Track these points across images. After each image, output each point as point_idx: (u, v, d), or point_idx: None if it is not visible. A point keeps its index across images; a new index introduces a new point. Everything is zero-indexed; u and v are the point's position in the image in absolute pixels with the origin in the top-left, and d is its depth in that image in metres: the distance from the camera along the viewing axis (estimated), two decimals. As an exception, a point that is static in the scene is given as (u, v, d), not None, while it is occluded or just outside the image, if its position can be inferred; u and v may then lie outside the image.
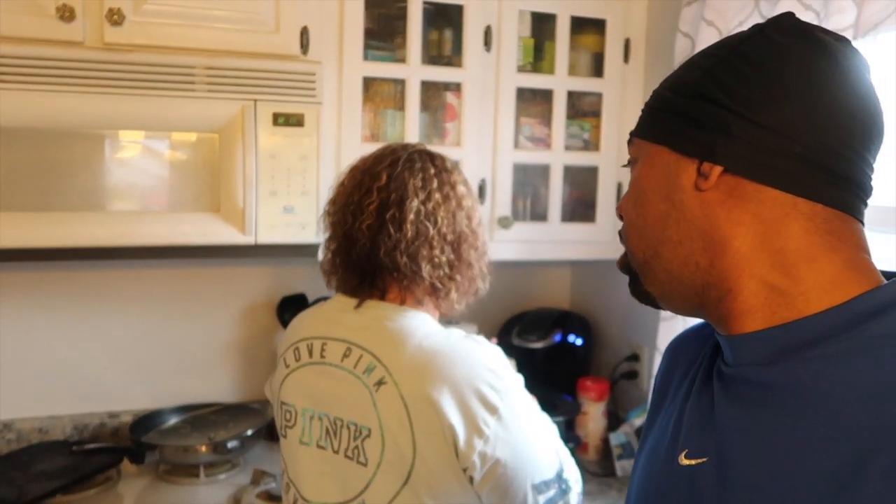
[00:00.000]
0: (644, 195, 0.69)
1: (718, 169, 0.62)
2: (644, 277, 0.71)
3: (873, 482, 0.52)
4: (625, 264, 0.74)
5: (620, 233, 0.74)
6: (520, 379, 1.16)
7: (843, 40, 0.64)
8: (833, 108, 0.60)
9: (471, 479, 1.09)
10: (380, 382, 1.09)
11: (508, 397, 1.09)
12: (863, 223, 0.64)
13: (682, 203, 0.65)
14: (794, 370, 0.60)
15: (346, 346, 1.15)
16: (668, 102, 0.67)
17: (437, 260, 1.16)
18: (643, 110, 0.71)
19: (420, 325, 1.14)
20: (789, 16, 0.65)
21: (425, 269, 1.15)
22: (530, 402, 1.16)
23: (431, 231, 1.15)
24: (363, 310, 1.18)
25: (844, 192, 0.61)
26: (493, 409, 1.07)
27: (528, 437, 1.12)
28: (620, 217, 0.74)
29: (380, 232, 1.15)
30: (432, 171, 1.18)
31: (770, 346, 0.61)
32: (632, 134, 0.72)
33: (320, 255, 1.65)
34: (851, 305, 0.59)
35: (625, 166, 0.76)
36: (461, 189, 1.21)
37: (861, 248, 0.63)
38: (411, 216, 1.14)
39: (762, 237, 0.62)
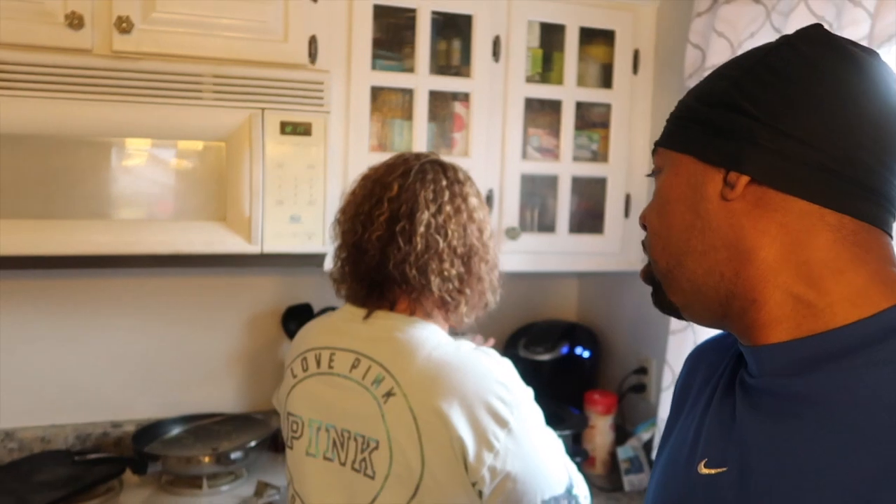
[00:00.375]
0: (669, 204, 0.68)
1: (745, 179, 0.62)
2: (668, 287, 0.70)
3: None
4: (648, 274, 0.73)
5: (644, 242, 0.74)
6: (530, 392, 1.15)
7: (872, 52, 0.64)
8: (861, 118, 0.60)
9: (480, 494, 1.08)
10: (388, 394, 1.08)
11: (519, 411, 1.08)
12: (891, 235, 0.63)
13: (708, 213, 0.65)
14: (819, 382, 0.59)
15: (355, 357, 1.13)
16: (695, 112, 0.67)
17: (446, 273, 1.14)
18: (668, 120, 0.71)
19: (429, 336, 1.12)
20: (818, 27, 0.65)
21: (434, 282, 1.14)
22: (540, 417, 1.15)
23: (441, 244, 1.14)
24: (372, 320, 1.17)
25: (872, 204, 0.61)
26: (503, 423, 1.06)
27: (538, 452, 1.10)
28: (644, 227, 0.73)
29: (389, 244, 1.14)
30: (444, 182, 1.17)
31: (796, 357, 0.61)
32: (657, 143, 0.72)
33: (328, 264, 1.64)
34: (880, 318, 0.58)
35: (649, 175, 0.75)
36: (473, 201, 1.19)
37: (889, 261, 0.62)
38: (421, 228, 1.13)
39: (789, 248, 0.61)
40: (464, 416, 1.04)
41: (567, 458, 1.19)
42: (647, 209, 0.73)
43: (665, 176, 0.69)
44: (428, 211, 1.14)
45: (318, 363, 1.18)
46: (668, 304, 0.71)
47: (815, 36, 0.64)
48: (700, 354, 0.81)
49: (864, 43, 1.26)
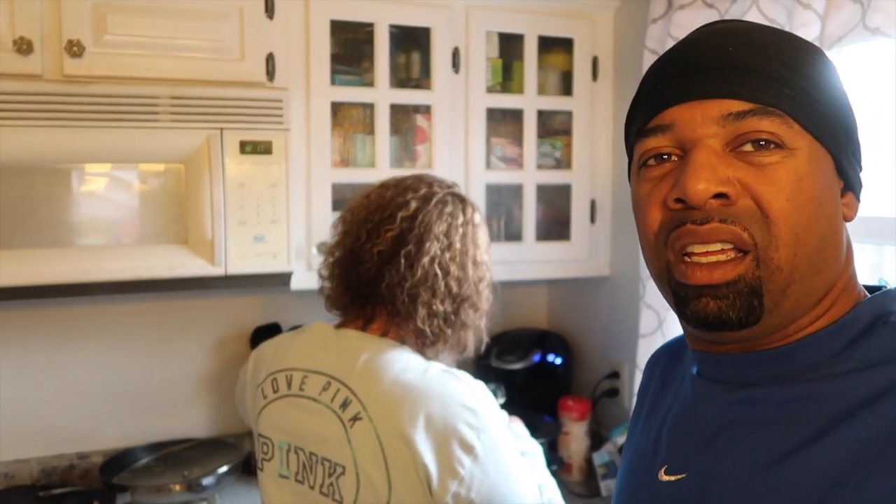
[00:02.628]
0: (815, 202, 0.58)
1: (858, 205, 0.64)
2: (781, 283, 0.58)
3: (856, 496, 0.52)
4: (741, 277, 0.58)
5: (739, 229, 0.57)
6: (501, 417, 1.12)
7: None
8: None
9: None
10: (355, 418, 1.07)
11: (487, 436, 1.05)
12: None
13: (840, 222, 0.62)
14: (777, 388, 0.60)
15: (326, 380, 1.12)
16: (836, 115, 0.61)
17: (434, 308, 1.13)
18: (792, 90, 0.58)
19: (398, 358, 1.11)
20: None
21: (420, 313, 1.12)
22: (510, 442, 1.12)
23: (440, 280, 1.12)
24: (343, 339, 1.15)
25: None
26: (468, 449, 1.04)
27: (507, 479, 1.08)
28: (722, 198, 0.57)
29: (389, 262, 1.12)
30: (461, 219, 1.16)
31: (761, 365, 0.61)
32: (783, 109, 0.58)
33: (295, 283, 1.62)
34: (840, 325, 0.60)
35: (755, 144, 0.58)
36: (482, 247, 1.18)
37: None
38: (426, 259, 1.11)
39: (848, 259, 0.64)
40: (429, 441, 1.02)
41: (546, 477, 1.18)
42: (762, 186, 0.57)
43: (804, 162, 0.58)
44: (437, 243, 1.12)
45: (289, 385, 1.17)
46: (744, 318, 0.58)
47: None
48: (656, 360, 0.81)
49: (815, 44, 1.29)
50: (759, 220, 0.57)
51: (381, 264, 1.12)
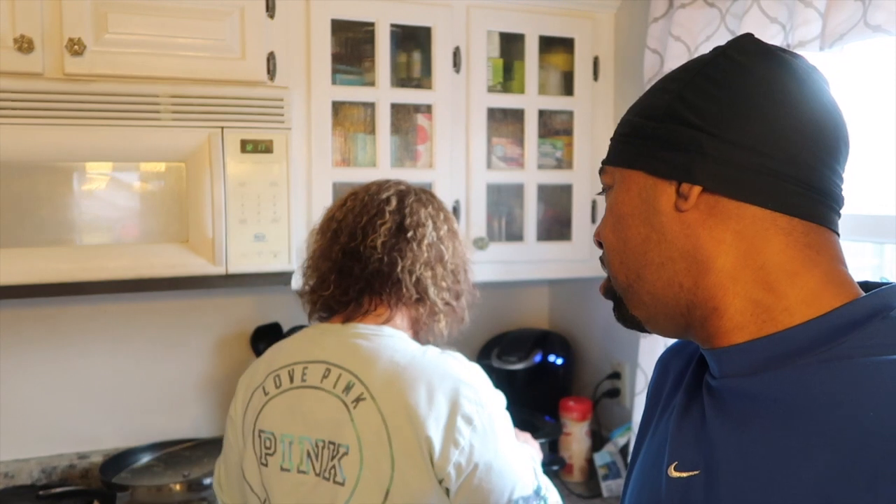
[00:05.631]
0: (623, 220, 0.68)
1: (698, 189, 0.63)
2: (629, 301, 0.71)
3: (858, 491, 0.52)
4: (608, 290, 0.73)
5: (602, 259, 0.74)
6: (500, 398, 1.17)
7: (800, 57, 0.66)
8: (800, 121, 0.62)
9: (447, 492, 1.10)
10: (358, 399, 1.11)
11: (485, 410, 1.11)
12: (838, 234, 0.65)
13: (663, 225, 0.65)
14: (776, 381, 0.61)
15: (326, 367, 1.16)
16: (640, 128, 0.67)
17: (442, 283, 1.22)
18: (613, 139, 0.71)
19: (392, 342, 1.17)
20: (748, 36, 0.67)
21: (431, 291, 1.21)
22: (507, 422, 1.17)
23: (446, 255, 1.23)
24: (337, 332, 1.21)
25: (819, 204, 0.62)
26: (468, 420, 1.09)
27: (504, 452, 1.12)
28: (599, 244, 0.74)
29: (397, 248, 1.19)
30: (436, 204, 1.28)
31: (752, 357, 0.62)
32: (604, 162, 0.72)
33: (296, 283, 1.62)
34: (830, 317, 0.60)
35: (599, 194, 0.76)
36: (455, 225, 1.30)
37: (838, 259, 0.64)
38: (426, 241, 1.21)
39: (744, 254, 0.62)
40: (431, 413, 1.07)
41: (540, 470, 1.20)
42: (600, 226, 0.73)
43: (616, 193, 0.70)
44: (431, 224, 1.23)
45: (292, 378, 1.20)
46: (630, 318, 0.72)
47: (747, 45, 0.65)
48: (668, 359, 0.82)
49: (815, 42, 1.29)
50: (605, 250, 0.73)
51: (389, 252, 1.19)
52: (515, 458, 1.15)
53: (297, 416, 1.17)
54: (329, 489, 1.11)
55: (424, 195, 1.28)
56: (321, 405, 1.14)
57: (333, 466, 1.11)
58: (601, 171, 0.73)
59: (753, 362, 0.62)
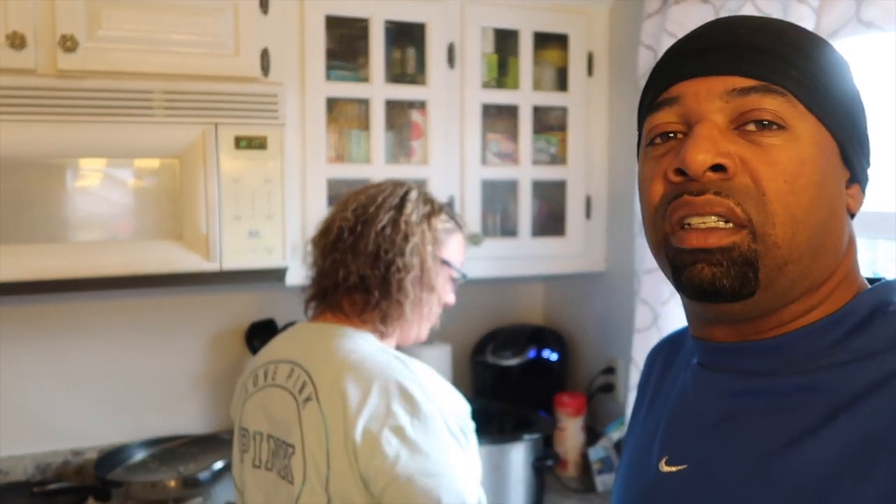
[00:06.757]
0: (815, 186, 0.58)
1: (862, 198, 0.64)
2: (777, 261, 0.58)
3: (857, 487, 0.52)
4: (735, 245, 0.57)
5: (733, 202, 0.57)
6: (452, 407, 1.14)
7: None
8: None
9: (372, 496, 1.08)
10: (307, 399, 1.12)
11: (419, 420, 1.07)
12: None
13: (842, 211, 0.62)
14: (777, 378, 0.60)
15: (291, 367, 1.18)
16: (844, 102, 0.61)
17: (418, 287, 1.22)
18: (798, 72, 0.59)
19: (351, 343, 1.16)
20: None
21: (409, 293, 1.21)
22: (445, 436, 1.11)
23: (425, 262, 1.23)
24: (314, 330, 1.23)
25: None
26: (398, 430, 1.06)
27: (436, 467, 1.06)
28: (717, 173, 0.58)
29: (385, 240, 1.20)
30: (429, 209, 1.27)
31: (761, 355, 0.62)
32: (790, 89, 0.58)
33: (290, 279, 1.63)
34: (839, 315, 0.60)
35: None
36: (438, 226, 1.29)
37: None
38: (409, 245, 1.21)
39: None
40: (361, 416, 1.06)
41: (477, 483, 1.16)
42: (761, 166, 0.57)
43: (809, 147, 0.58)
44: (416, 228, 1.22)
45: (266, 376, 1.23)
46: (745, 280, 0.58)
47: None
48: (656, 353, 0.81)
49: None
50: (755, 197, 0.57)
51: (379, 242, 1.20)
52: (448, 469, 1.08)
53: (266, 414, 1.20)
54: (286, 488, 1.13)
55: (422, 198, 1.28)
56: (281, 404, 1.16)
57: (286, 465, 1.13)
58: (766, 90, 0.58)
59: (767, 361, 0.61)
